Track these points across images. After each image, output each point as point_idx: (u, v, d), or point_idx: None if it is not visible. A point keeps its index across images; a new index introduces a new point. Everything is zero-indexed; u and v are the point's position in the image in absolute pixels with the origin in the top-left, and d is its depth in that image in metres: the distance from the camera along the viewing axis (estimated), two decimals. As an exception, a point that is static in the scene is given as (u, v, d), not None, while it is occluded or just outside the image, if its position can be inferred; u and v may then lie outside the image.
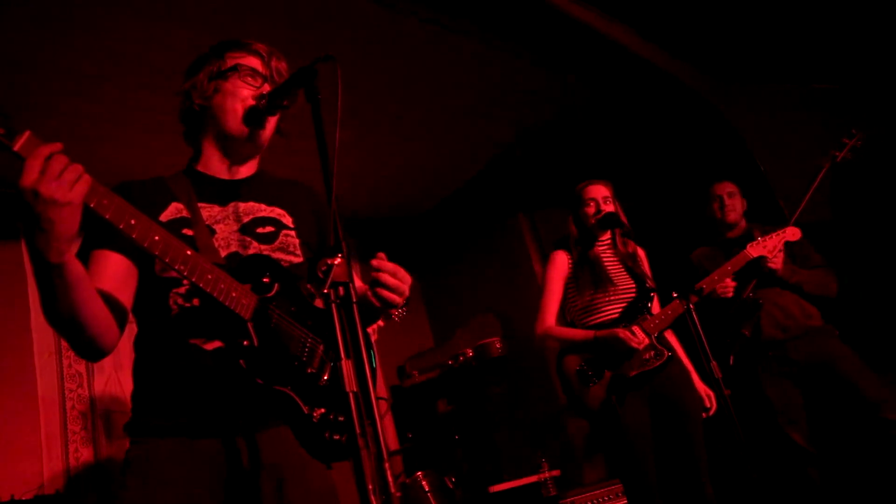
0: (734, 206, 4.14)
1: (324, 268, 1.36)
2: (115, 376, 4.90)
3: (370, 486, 1.24)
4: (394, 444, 6.02)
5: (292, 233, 1.84)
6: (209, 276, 1.51)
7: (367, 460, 1.25)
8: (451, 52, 4.47)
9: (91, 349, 1.58)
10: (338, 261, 1.36)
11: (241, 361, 1.54)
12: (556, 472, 4.92)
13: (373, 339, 3.69)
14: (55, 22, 3.46)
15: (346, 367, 1.31)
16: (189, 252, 1.49)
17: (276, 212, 1.85)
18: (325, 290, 1.34)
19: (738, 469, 4.03)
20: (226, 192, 1.83)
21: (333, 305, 1.35)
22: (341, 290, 1.37)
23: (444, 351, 6.30)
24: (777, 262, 3.71)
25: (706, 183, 4.28)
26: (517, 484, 4.90)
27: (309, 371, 1.66)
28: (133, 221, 1.40)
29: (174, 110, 1.90)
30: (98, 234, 1.67)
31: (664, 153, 5.34)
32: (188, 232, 1.69)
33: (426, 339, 7.16)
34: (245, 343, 1.56)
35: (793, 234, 3.68)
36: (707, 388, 3.49)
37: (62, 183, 1.25)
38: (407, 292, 1.67)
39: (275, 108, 1.75)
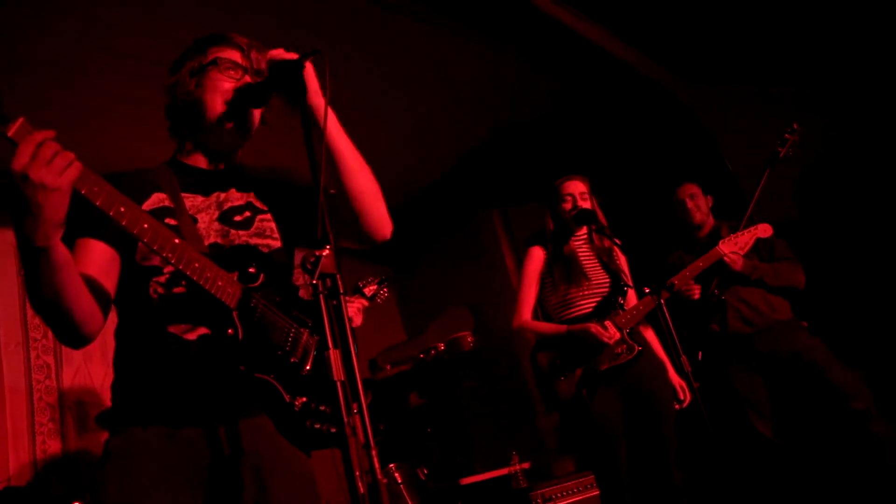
0: (698, 207, 4.21)
1: (312, 259, 1.39)
2: (85, 367, 4.84)
3: (357, 473, 1.26)
4: (365, 437, 6.03)
5: (267, 216, 1.86)
6: (196, 265, 1.53)
7: (354, 447, 1.28)
8: (428, 48, 4.50)
9: (75, 335, 1.59)
10: (325, 252, 1.39)
11: (226, 350, 1.55)
12: (525, 465, 4.98)
13: (356, 321, 3.71)
14: (42, 10, 3.42)
15: (334, 356, 1.34)
16: (177, 240, 1.51)
17: (250, 196, 1.87)
18: (314, 281, 1.37)
19: (707, 460, 4.12)
20: (208, 183, 1.84)
21: (321, 296, 1.37)
22: (329, 281, 1.39)
23: (416, 344, 6.33)
24: (737, 263, 3.80)
25: (677, 180, 4.36)
26: (488, 476, 4.96)
27: (292, 360, 1.68)
28: (122, 209, 1.42)
29: (159, 103, 1.89)
30: (82, 222, 1.67)
31: (637, 151, 5.42)
32: (171, 221, 1.69)
33: (398, 332, 7.18)
34: (230, 332, 1.58)
35: (764, 230, 3.77)
36: (681, 380, 3.56)
37: (52, 168, 1.29)
38: None
39: (258, 101, 1.76)
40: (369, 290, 3.92)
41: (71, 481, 4.31)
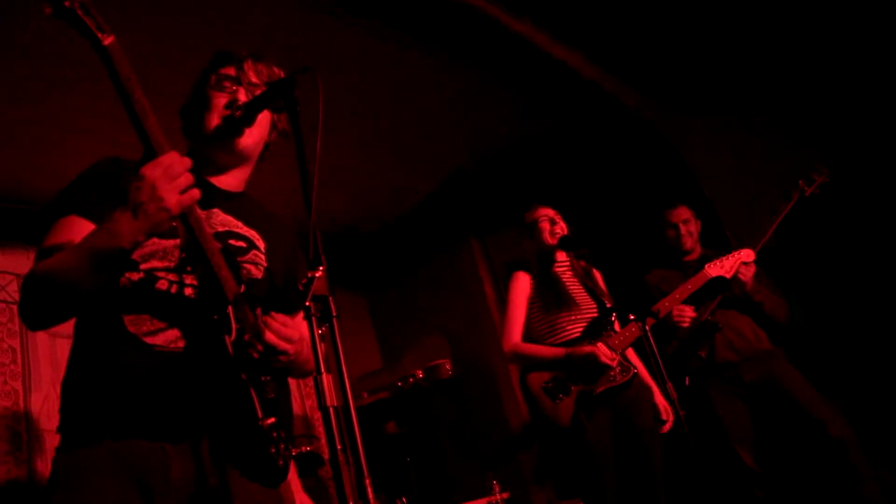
0: (690, 232, 4.24)
1: (304, 280, 1.35)
2: (54, 392, 4.70)
3: (350, 502, 1.22)
4: (341, 466, 5.93)
5: (262, 256, 1.86)
6: (211, 246, 1.54)
7: (348, 475, 1.24)
8: (407, 72, 4.50)
9: (56, 319, 1.60)
10: (318, 273, 1.36)
11: (227, 339, 1.52)
12: (505, 495, 4.90)
13: None
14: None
15: (327, 381, 1.30)
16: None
17: (252, 233, 1.87)
18: (307, 303, 1.33)
19: (691, 486, 4.10)
20: (208, 197, 1.82)
21: (314, 319, 1.33)
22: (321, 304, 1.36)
23: (393, 372, 6.25)
24: (748, 275, 3.80)
25: (657, 208, 4.38)
26: (468, 506, 4.87)
27: (263, 378, 1.62)
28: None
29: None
30: (78, 201, 1.65)
31: (615, 179, 5.45)
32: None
33: (374, 359, 7.10)
34: (233, 324, 1.54)
35: (747, 255, 3.80)
36: (666, 402, 3.54)
37: (174, 187, 1.40)
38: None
39: (251, 119, 1.74)
40: None
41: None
